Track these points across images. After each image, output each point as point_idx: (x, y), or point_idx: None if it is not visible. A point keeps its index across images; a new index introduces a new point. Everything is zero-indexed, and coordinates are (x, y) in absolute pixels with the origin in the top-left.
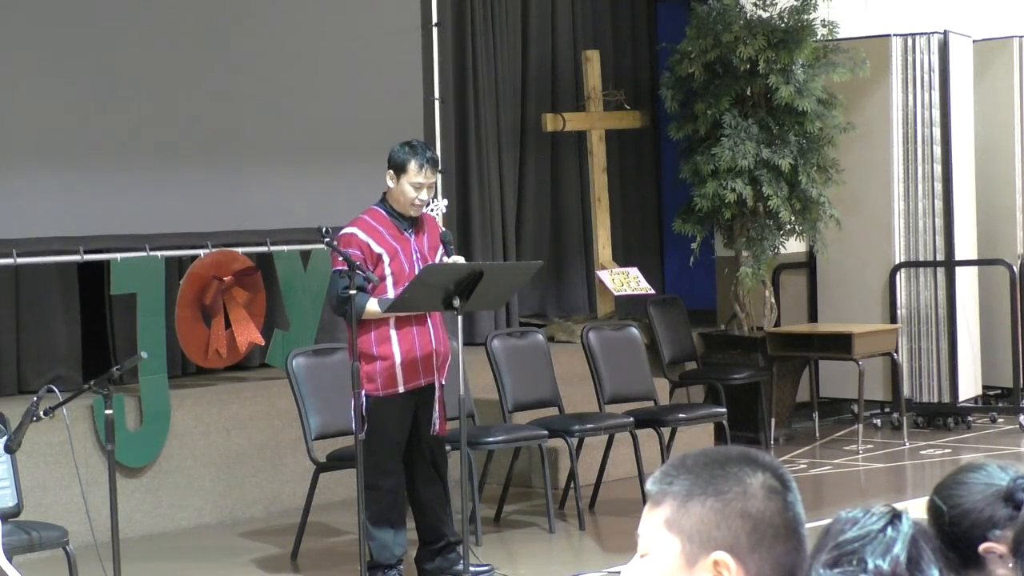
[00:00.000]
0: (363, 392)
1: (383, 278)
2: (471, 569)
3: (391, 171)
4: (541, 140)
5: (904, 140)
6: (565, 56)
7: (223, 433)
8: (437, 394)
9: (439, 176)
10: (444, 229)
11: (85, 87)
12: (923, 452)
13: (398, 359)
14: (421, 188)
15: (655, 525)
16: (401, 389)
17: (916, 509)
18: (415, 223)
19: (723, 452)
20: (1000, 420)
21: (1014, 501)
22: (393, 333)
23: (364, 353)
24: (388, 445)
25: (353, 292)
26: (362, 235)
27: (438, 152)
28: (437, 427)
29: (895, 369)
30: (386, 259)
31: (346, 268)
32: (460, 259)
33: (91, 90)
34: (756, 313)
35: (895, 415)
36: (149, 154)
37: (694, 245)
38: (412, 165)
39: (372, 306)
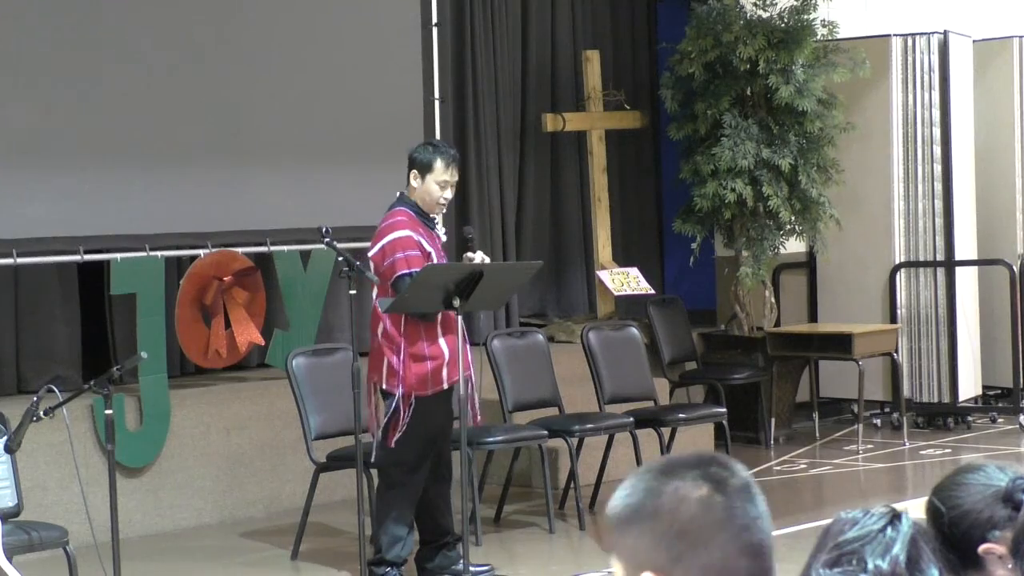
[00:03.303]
0: (413, 393)
1: None
2: (471, 569)
3: (415, 171)
4: (541, 140)
5: (904, 140)
6: (565, 56)
7: (223, 433)
8: (471, 384)
9: None
10: (467, 226)
11: (85, 87)
12: (923, 452)
13: (447, 357)
14: (446, 186)
15: (612, 552)
16: (445, 385)
17: (916, 509)
18: (433, 222)
19: (649, 469)
20: (1000, 420)
21: (1013, 502)
22: (440, 331)
23: (414, 353)
24: (424, 444)
25: (350, 291)
26: (415, 235)
27: None
28: (480, 416)
29: (895, 369)
30: (435, 258)
31: (409, 272)
32: (482, 254)
33: (91, 90)
34: (756, 313)
35: (895, 415)
36: (149, 154)
37: (694, 245)
38: (439, 163)
39: None
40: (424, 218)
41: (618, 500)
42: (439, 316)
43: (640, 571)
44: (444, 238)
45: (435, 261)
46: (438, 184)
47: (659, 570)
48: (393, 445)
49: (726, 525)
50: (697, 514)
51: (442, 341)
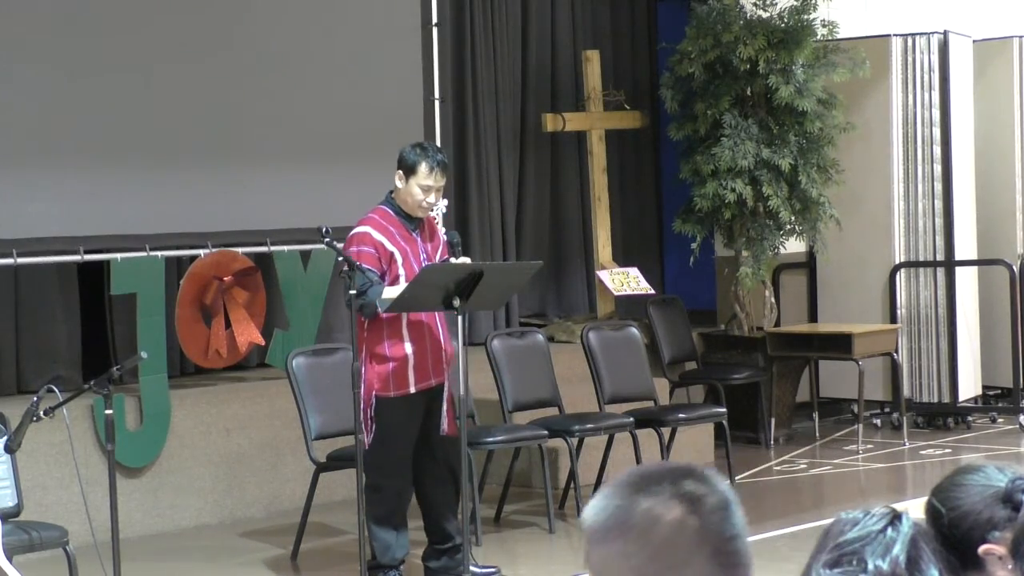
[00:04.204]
0: (373, 392)
1: (396, 279)
2: (476, 571)
3: (400, 171)
4: (541, 140)
5: (904, 140)
6: (565, 56)
7: (223, 433)
8: (445, 394)
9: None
10: (451, 231)
11: (85, 87)
12: (923, 452)
13: (411, 360)
14: (429, 191)
15: (586, 564)
16: (412, 389)
17: (916, 509)
18: (420, 224)
19: (622, 484)
20: (1000, 420)
21: (1012, 502)
22: (406, 334)
23: (376, 353)
24: (396, 445)
25: (354, 292)
26: (376, 234)
27: None
28: (445, 427)
29: (895, 369)
30: (399, 258)
31: (357, 265)
32: (467, 260)
33: (91, 90)
34: (756, 313)
35: (895, 415)
36: (149, 154)
37: (694, 245)
38: (422, 167)
39: (388, 293)
40: (406, 219)
41: (591, 513)
42: (405, 317)
43: None
44: (442, 214)
45: (399, 262)
46: (420, 187)
47: None
48: (367, 447)
49: (701, 547)
50: (670, 537)
51: (408, 343)
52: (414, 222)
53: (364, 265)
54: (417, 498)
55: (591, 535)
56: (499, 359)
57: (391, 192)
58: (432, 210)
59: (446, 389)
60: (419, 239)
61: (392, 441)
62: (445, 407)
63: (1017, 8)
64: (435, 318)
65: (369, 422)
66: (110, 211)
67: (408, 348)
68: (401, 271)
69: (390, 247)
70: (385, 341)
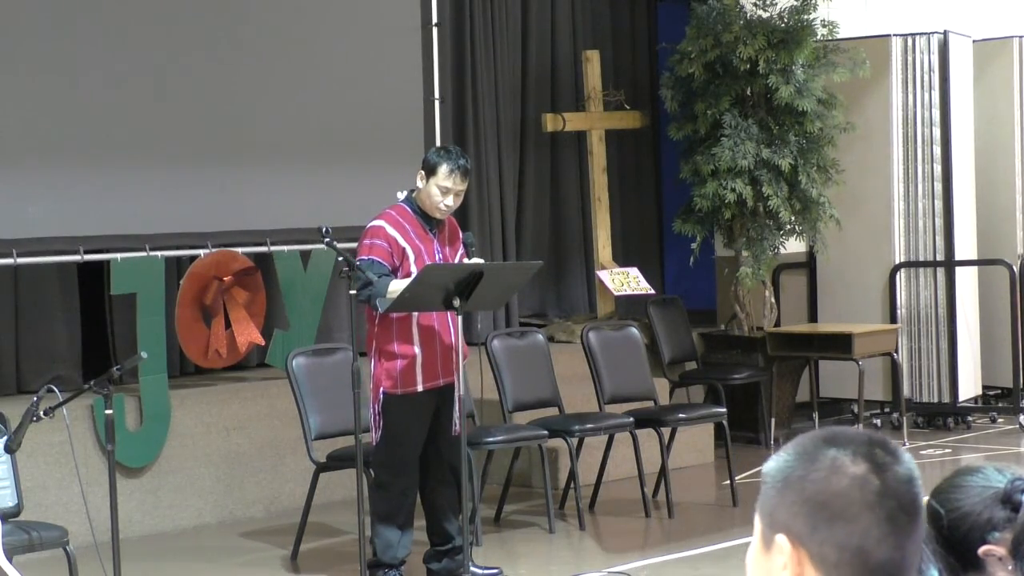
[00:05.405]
0: (381, 389)
1: (407, 276)
2: (479, 571)
3: (422, 171)
4: (541, 140)
5: (904, 140)
6: (565, 56)
7: (223, 433)
8: (457, 394)
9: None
10: (466, 232)
11: (85, 87)
12: (923, 452)
13: (419, 358)
14: (448, 193)
15: (756, 507)
16: (419, 388)
17: None
18: (439, 224)
19: (812, 434)
20: (1000, 420)
21: (1012, 503)
22: (415, 332)
23: (385, 351)
24: (403, 444)
25: (353, 292)
26: (390, 229)
27: None
28: (457, 428)
29: (895, 369)
30: (411, 256)
31: (367, 259)
32: (480, 261)
33: (91, 90)
34: (756, 313)
35: (895, 415)
36: (149, 154)
37: (694, 245)
38: (443, 169)
39: (394, 285)
40: (424, 218)
41: (775, 459)
42: (415, 316)
43: (775, 532)
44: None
45: (411, 259)
46: (439, 188)
47: (793, 536)
48: (375, 444)
49: (875, 509)
50: (846, 489)
51: (416, 345)
52: (432, 222)
53: (375, 258)
54: (421, 499)
55: (770, 478)
56: (499, 359)
57: (412, 191)
58: (449, 212)
59: (456, 389)
60: (436, 240)
61: (399, 439)
62: (456, 407)
63: (1017, 8)
64: (446, 319)
65: (377, 419)
66: (110, 211)
67: (417, 347)
68: (413, 268)
69: (403, 243)
70: (394, 339)
